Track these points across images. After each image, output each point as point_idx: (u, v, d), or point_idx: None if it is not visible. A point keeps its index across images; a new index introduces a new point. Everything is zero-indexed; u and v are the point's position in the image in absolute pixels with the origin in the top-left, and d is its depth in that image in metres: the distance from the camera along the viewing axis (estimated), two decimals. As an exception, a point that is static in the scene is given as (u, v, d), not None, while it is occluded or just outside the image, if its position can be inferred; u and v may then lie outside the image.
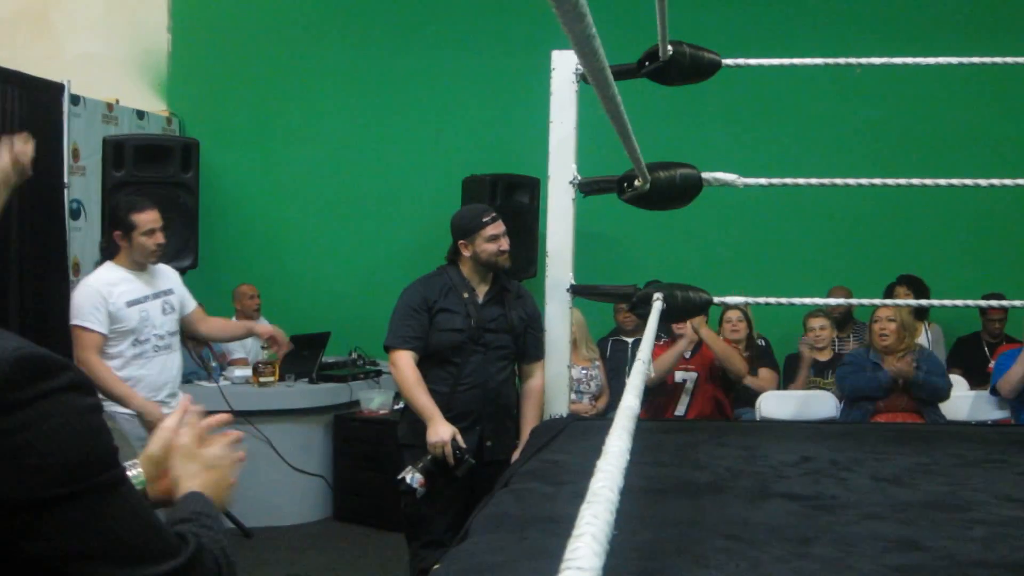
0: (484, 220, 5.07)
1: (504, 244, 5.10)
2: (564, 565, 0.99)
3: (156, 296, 5.42)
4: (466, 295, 5.13)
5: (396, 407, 7.27)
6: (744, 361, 7.12)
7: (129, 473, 1.64)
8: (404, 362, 5.06)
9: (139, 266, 5.37)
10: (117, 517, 1.45)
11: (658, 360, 6.74)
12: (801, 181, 4.84)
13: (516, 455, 4.93)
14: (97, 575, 1.42)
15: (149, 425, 5.09)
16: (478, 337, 5.08)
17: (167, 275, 5.55)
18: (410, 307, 5.12)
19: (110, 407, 5.11)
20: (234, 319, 7.72)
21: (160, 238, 5.32)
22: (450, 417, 4.95)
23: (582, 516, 1.14)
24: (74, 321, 5.23)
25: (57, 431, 1.39)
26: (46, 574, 1.39)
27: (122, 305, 5.31)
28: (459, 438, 4.87)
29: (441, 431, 4.86)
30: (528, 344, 5.23)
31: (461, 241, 5.13)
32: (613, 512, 1.22)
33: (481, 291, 5.17)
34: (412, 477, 4.86)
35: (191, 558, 1.54)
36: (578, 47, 1.53)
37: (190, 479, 1.84)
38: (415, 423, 5.07)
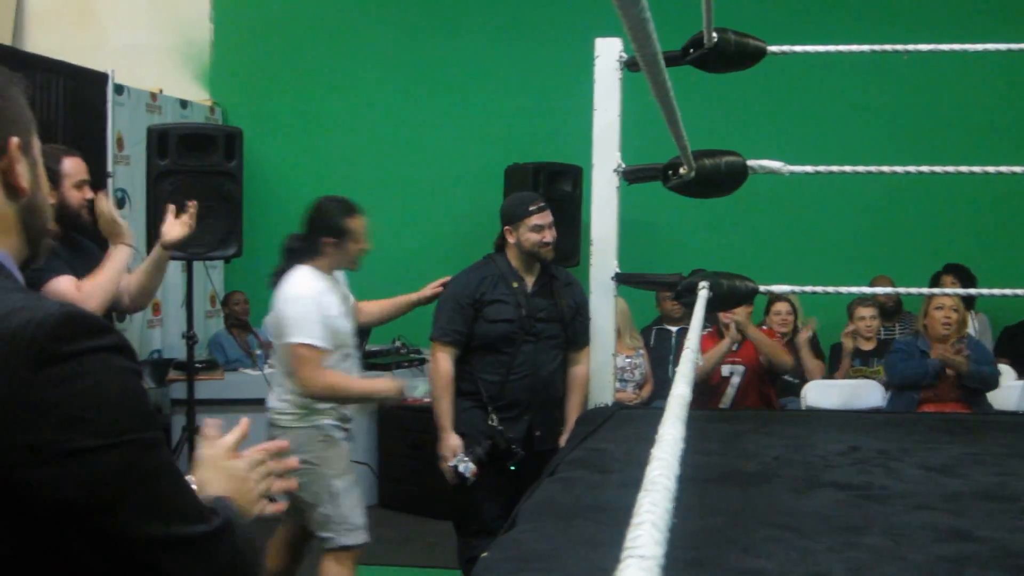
0: (530, 208, 5.06)
1: (548, 236, 5.09)
2: (625, 553, 0.99)
3: (344, 301, 5.00)
4: (515, 284, 5.13)
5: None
6: (788, 354, 7.08)
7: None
8: (442, 360, 5.10)
9: (332, 272, 4.97)
10: (154, 474, 1.49)
11: (707, 354, 6.70)
12: (848, 169, 4.81)
13: (562, 441, 4.94)
14: (130, 527, 1.45)
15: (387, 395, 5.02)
16: (529, 327, 5.09)
17: (341, 277, 5.11)
18: (457, 301, 5.13)
19: (307, 420, 4.85)
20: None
21: (367, 245, 5.00)
22: (500, 406, 4.98)
23: (640, 504, 1.13)
24: (297, 339, 4.69)
25: (99, 385, 1.44)
26: (82, 524, 1.42)
27: (335, 316, 4.86)
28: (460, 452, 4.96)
29: (445, 447, 4.99)
30: (576, 332, 5.23)
31: (507, 227, 5.13)
32: (671, 500, 1.22)
33: (529, 280, 5.16)
34: (465, 466, 4.88)
35: (221, 527, 1.58)
36: (632, 31, 1.52)
37: (212, 486, 1.86)
38: (465, 410, 5.10)
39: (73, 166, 4.40)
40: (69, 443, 1.40)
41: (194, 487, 1.81)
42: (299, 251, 4.89)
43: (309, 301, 4.73)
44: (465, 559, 5.19)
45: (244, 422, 2.10)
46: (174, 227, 4.59)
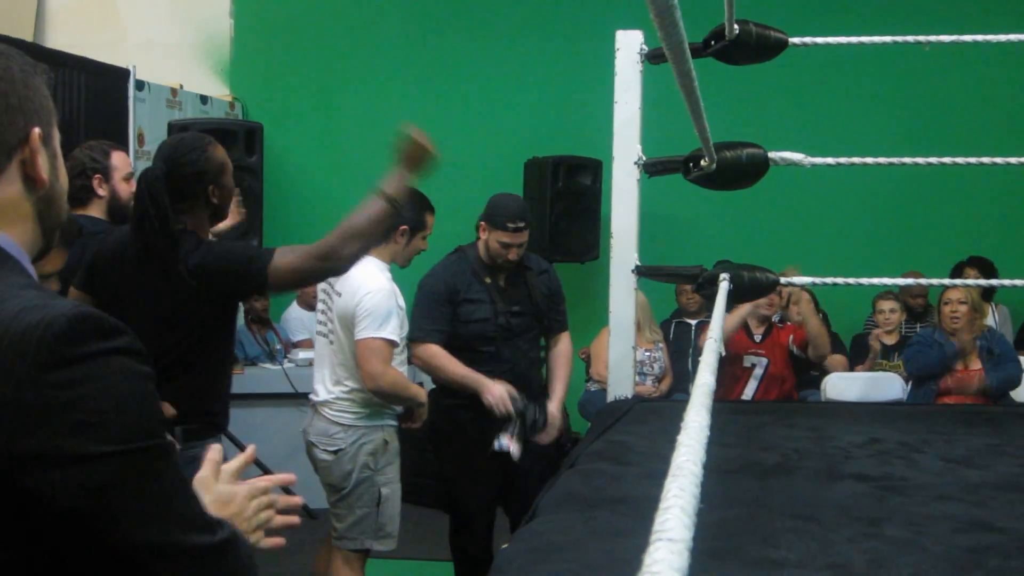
0: (508, 226, 5.02)
1: (512, 255, 5.06)
2: (654, 536, 0.99)
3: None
4: (488, 280, 5.11)
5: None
6: (829, 342, 7.08)
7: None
8: (433, 350, 5.05)
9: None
10: (162, 483, 1.46)
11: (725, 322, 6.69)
12: (869, 160, 4.80)
13: (552, 408, 5.04)
14: (134, 535, 1.42)
15: (419, 416, 4.93)
16: (505, 324, 5.08)
17: None
18: (433, 298, 5.09)
19: (367, 421, 4.80)
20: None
21: (426, 246, 4.99)
22: (482, 404, 4.97)
23: (668, 488, 1.14)
24: (376, 333, 4.60)
25: (110, 389, 1.40)
26: (87, 531, 1.40)
27: (403, 310, 4.84)
28: (513, 391, 4.90)
29: (497, 389, 4.89)
30: (552, 320, 5.26)
31: (483, 223, 5.11)
32: (698, 486, 1.22)
33: (502, 274, 5.16)
34: (507, 444, 4.85)
35: (227, 540, 1.55)
36: (659, 19, 1.52)
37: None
38: (450, 409, 5.10)
39: (121, 160, 4.51)
40: (76, 449, 1.36)
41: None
42: None
43: (388, 294, 4.67)
44: (455, 547, 5.23)
45: (251, 449, 2.07)
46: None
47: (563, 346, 5.33)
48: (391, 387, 4.66)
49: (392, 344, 4.65)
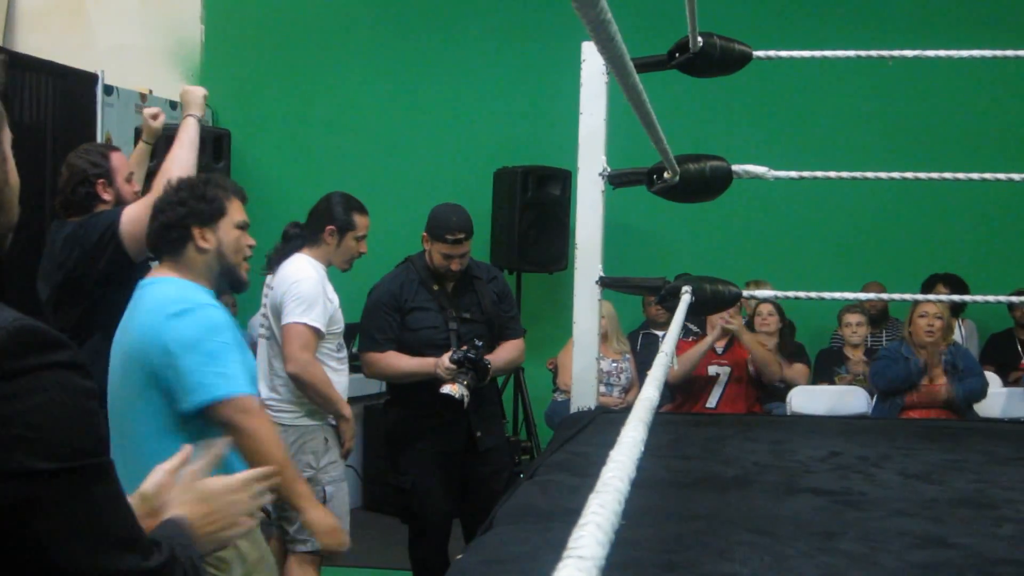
0: (447, 237, 5.03)
1: (455, 265, 5.07)
2: (566, 554, 0.98)
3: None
4: (436, 287, 5.11)
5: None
6: (779, 367, 7.10)
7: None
8: (385, 355, 5.06)
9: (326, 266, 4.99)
10: (100, 503, 1.44)
11: (684, 356, 6.73)
12: (832, 174, 4.80)
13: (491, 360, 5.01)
14: (71, 555, 1.40)
15: (345, 433, 4.97)
16: (456, 330, 5.07)
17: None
18: (380, 308, 5.10)
19: (306, 420, 4.86)
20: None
21: (363, 248, 5.05)
22: (435, 412, 4.99)
23: (589, 505, 1.13)
24: (298, 318, 4.70)
25: (49, 405, 1.38)
26: (14, 549, 1.37)
27: (335, 304, 4.90)
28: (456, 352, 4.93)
29: (440, 359, 4.91)
30: (503, 327, 5.25)
31: (425, 234, 5.12)
32: (621, 502, 1.21)
33: (450, 281, 5.15)
34: (448, 388, 4.85)
35: (163, 564, 1.53)
36: (593, 34, 1.52)
37: (177, 507, 1.82)
38: (404, 419, 5.13)
39: (119, 161, 4.54)
40: (12, 464, 1.35)
41: (164, 507, 1.78)
42: (298, 238, 4.92)
43: (315, 283, 4.76)
44: (413, 557, 5.23)
45: (219, 445, 2.07)
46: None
47: (511, 343, 5.30)
48: (311, 377, 4.68)
49: (316, 332, 4.70)
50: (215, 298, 3.47)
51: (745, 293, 4.71)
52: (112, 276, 4.17)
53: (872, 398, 6.81)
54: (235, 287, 3.58)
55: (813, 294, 4.65)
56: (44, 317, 4.39)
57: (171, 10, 9.20)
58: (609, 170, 4.65)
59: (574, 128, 4.73)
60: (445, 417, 4.99)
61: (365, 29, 9.19)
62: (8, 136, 1.63)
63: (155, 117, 4.75)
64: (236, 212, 3.49)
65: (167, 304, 3.34)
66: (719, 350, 6.98)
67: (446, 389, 4.84)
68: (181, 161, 4.27)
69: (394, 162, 8.94)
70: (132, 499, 1.80)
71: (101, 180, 4.41)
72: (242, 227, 3.51)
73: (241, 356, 3.37)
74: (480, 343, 4.97)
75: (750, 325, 7.29)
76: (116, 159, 4.51)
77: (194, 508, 1.83)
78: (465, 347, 4.93)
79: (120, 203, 4.38)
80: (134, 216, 4.12)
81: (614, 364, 7.23)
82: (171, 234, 3.42)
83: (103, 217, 4.28)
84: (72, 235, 4.30)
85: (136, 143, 6.81)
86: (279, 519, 4.86)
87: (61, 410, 1.39)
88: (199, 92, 4.57)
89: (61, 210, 4.47)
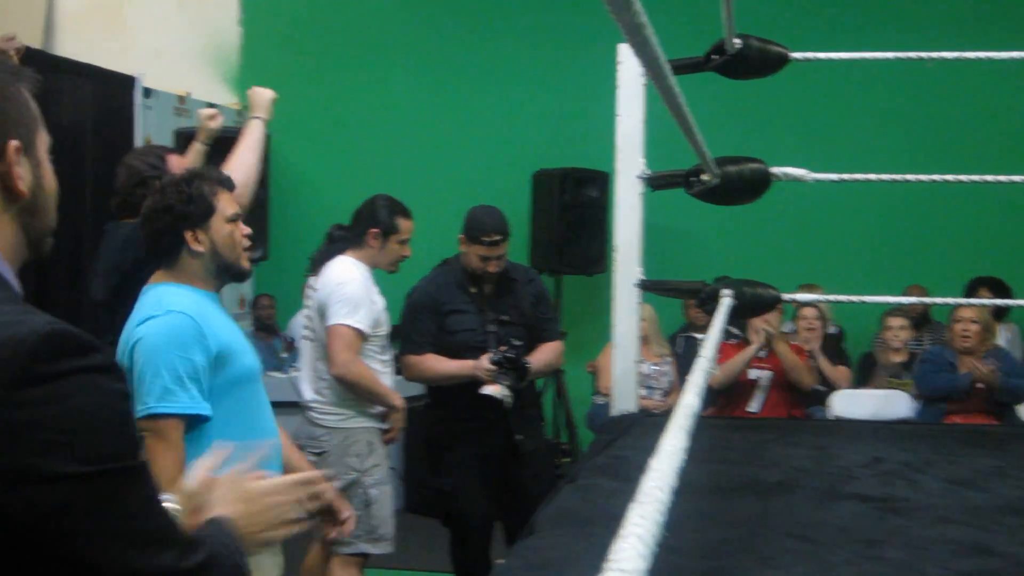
0: (483, 239, 5.02)
1: (492, 267, 5.06)
2: (607, 566, 0.97)
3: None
4: (474, 290, 5.10)
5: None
6: (812, 375, 7.06)
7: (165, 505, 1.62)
8: (424, 358, 5.07)
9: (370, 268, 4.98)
10: (136, 503, 1.45)
11: (727, 364, 6.71)
12: (872, 176, 4.76)
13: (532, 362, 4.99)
14: (106, 557, 1.41)
15: (396, 422, 4.97)
16: (494, 332, 5.05)
17: None
18: (418, 311, 5.11)
19: (351, 423, 4.87)
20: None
21: (408, 251, 5.04)
22: (476, 415, 4.98)
23: (629, 516, 1.11)
24: (344, 320, 4.71)
25: (83, 408, 1.39)
26: (50, 552, 1.38)
27: (380, 306, 4.91)
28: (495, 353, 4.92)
29: (480, 361, 4.92)
30: (541, 329, 5.23)
31: (462, 236, 5.11)
32: (663, 513, 1.19)
33: (487, 284, 5.13)
34: (489, 389, 4.84)
35: (200, 564, 1.53)
36: (629, 37, 1.50)
37: (220, 506, 1.81)
38: (445, 421, 5.14)
39: (177, 163, 4.51)
40: (43, 468, 1.35)
41: (174, 508, 1.77)
42: (343, 240, 4.92)
43: (358, 285, 4.76)
44: (455, 560, 5.22)
45: (262, 447, 2.05)
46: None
47: (550, 345, 5.28)
48: (356, 377, 4.68)
49: (360, 334, 4.70)
50: (215, 300, 3.41)
51: (785, 296, 4.67)
52: None
53: (915, 402, 6.75)
54: (238, 279, 3.54)
55: (855, 297, 4.62)
56: (91, 319, 4.42)
57: (209, 13, 9.24)
58: (647, 172, 4.62)
59: (612, 130, 4.71)
60: (485, 420, 4.99)
61: (403, 31, 9.20)
62: (45, 140, 1.64)
63: (212, 118, 4.74)
64: (226, 205, 3.40)
65: (140, 311, 3.29)
66: (761, 353, 6.94)
67: (487, 390, 4.84)
68: (245, 164, 4.25)
69: (433, 165, 8.94)
70: (176, 495, 1.82)
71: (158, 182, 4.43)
72: (234, 219, 3.42)
73: (201, 363, 3.21)
74: (519, 343, 4.96)
75: (794, 331, 7.26)
76: (173, 161, 4.52)
77: (238, 508, 1.82)
78: (504, 348, 4.92)
79: None
80: None
81: (655, 367, 7.20)
82: (163, 241, 3.35)
83: None
84: (129, 237, 4.28)
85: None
86: (322, 521, 4.86)
87: (94, 414, 1.40)
88: (267, 95, 4.59)
89: (118, 211, 4.49)
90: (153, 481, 1.51)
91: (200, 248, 3.33)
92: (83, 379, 1.40)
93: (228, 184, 3.48)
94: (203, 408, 3.18)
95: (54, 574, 1.40)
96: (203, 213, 3.34)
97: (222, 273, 3.41)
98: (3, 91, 1.57)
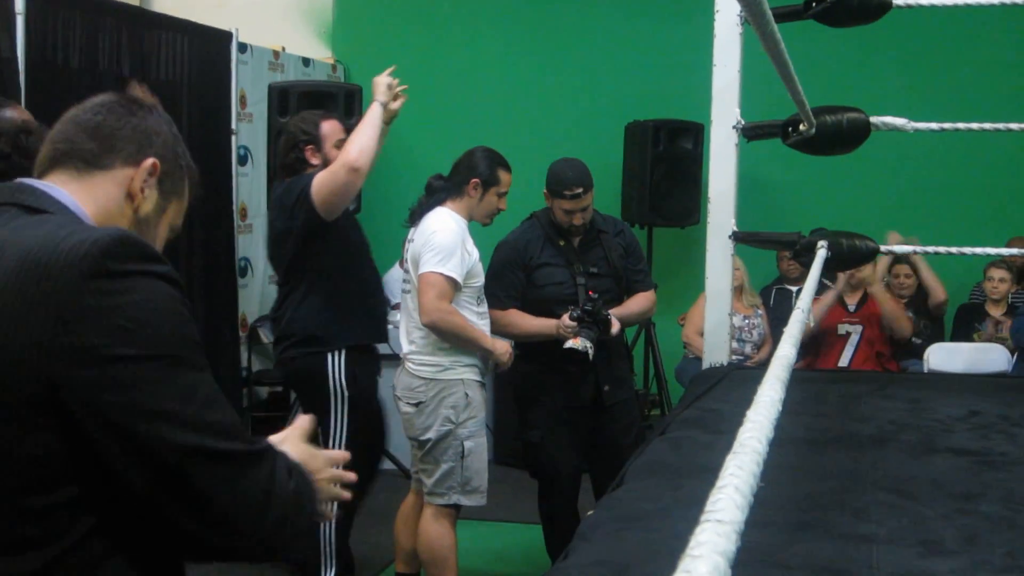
0: (565, 193, 4.97)
1: (577, 220, 5.00)
2: (704, 517, 0.97)
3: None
4: (562, 243, 5.08)
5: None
6: (911, 324, 6.97)
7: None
8: (507, 313, 5.04)
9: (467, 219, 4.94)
10: (194, 392, 1.57)
11: (814, 308, 6.64)
12: (975, 125, 4.66)
13: (613, 317, 4.95)
14: (163, 435, 1.53)
15: (501, 358, 4.93)
16: (584, 285, 5.03)
17: None
18: (505, 265, 5.08)
19: (447, 374, 4.81)
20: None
21: (504, 205, 5.02)
22: (563, 368, 4.97)
23: (726, 467, 1.11)
24: (435, 268, 4.66)
25: (147, 303, 1.55)
26: (116, 428, 1.52)
27: (475, 256, 4.84)
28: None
29: (562, 320, 4.88)
30: (632, 280, 5.20)
31: (546, 191, 5.08)
32: (760, 464, 1.19)
33: (575, 236, 5.11)
34: (571, 343, 4.84)
35: (260, 451, 1.64)
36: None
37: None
38: (532, 375, 5.13)
39: (332, 128, 4.96)
40: (110, 349, 1.50)
41: None
42: (442, 191, 4.91)
43: (454, 234, 4.72)
44: (542, 512, 5.24)
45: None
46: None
47: (642, 295, 5.26)
48: (447, 325, 4.66)
49: (452, 282, 4.67)
50: None
51: (883, 248, 4.61)
52: (309, 234, 4.70)
53: (1012, 356, 6.63)
54: None
55: (953, 249, 4.55)
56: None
57: (304, -32, 9.27)
58: (743, 123, 4.57)
59: (706, 81, 4.66)
60: (572, 372, 4.98)
61: (495, -17, 9.16)
62: (181, 208, 1.91)
63: (396, 98, 5.02)
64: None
65: None
66: (851, 307, 6.87)
67: (570, 344, 4.83)
68: (359, 142, 4.61)
69: (524, 118, 8.91)
70: None
71: (310, 146, 4.86)
72: None
73: None
74: (596, 295, 4.94)
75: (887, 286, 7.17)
76: (327, 127, 4.92)
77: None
78: (583, 303, 4.91)
79: (328, 166, 4.73)
80: (321, 180, 4.60)
81: (746, 320, 7.15)
82: None
83: (301, 180, 4.71)
84: (280, 196, 4.84)
85: (269, 98, 6.98)
86: (418, 471, 4.91)
87: (154, 310, 1.55)
88: (382, 80, 4.95)
89: (280, 172, 5.03)
90: (214, 382, 1.62)
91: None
92: (147, 281, 1.56)
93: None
94: None
95: (127, 455, 1.53)
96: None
97: None
98: (163, 126, 1.82)
